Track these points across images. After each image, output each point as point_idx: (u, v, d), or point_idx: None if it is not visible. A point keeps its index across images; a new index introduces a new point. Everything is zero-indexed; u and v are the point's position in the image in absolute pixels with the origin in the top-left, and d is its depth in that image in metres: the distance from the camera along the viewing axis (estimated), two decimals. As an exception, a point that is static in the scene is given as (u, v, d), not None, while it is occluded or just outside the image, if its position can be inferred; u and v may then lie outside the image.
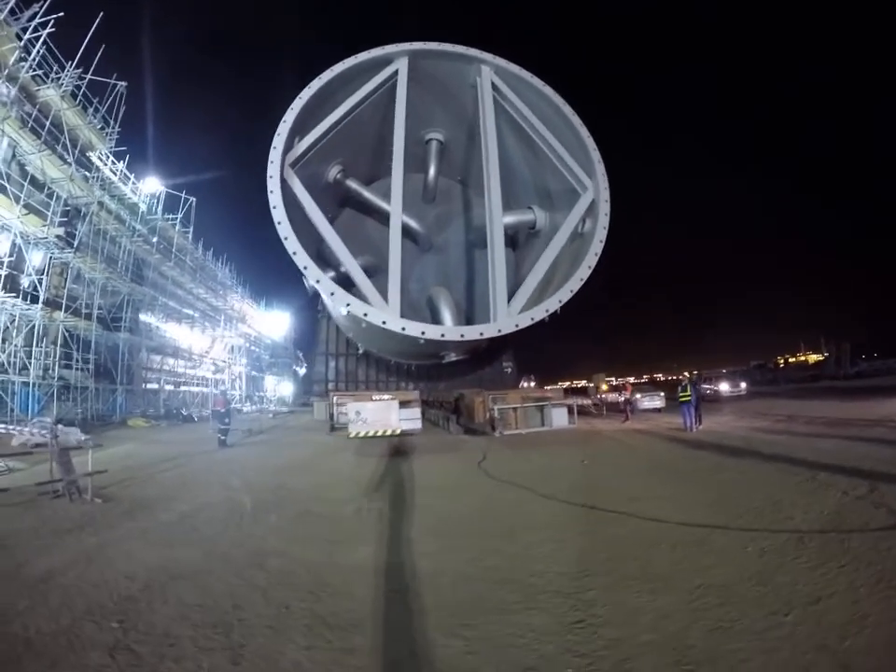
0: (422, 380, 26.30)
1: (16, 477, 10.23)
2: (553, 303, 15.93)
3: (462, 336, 14.79)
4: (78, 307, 21.92)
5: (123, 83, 23.68)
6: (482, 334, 14.92)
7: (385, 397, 16.16)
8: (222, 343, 40.69)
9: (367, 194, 22.03)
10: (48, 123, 19.70)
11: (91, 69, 21.51)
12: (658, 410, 24.95)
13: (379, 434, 14.94)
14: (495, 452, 12.79)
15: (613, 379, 65.82)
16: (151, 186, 28.56)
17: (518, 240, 24.13)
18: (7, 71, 18.13)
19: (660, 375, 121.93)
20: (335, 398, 16.18)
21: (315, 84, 16.98)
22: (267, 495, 8.49)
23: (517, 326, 15.23)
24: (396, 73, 18.13)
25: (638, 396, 25.31)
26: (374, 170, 23.20)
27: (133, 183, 26.28)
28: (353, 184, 21.78)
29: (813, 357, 69.97)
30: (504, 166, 19.62)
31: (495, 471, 10.06)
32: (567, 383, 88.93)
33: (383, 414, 15.10)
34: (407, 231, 20.21)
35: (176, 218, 30.39)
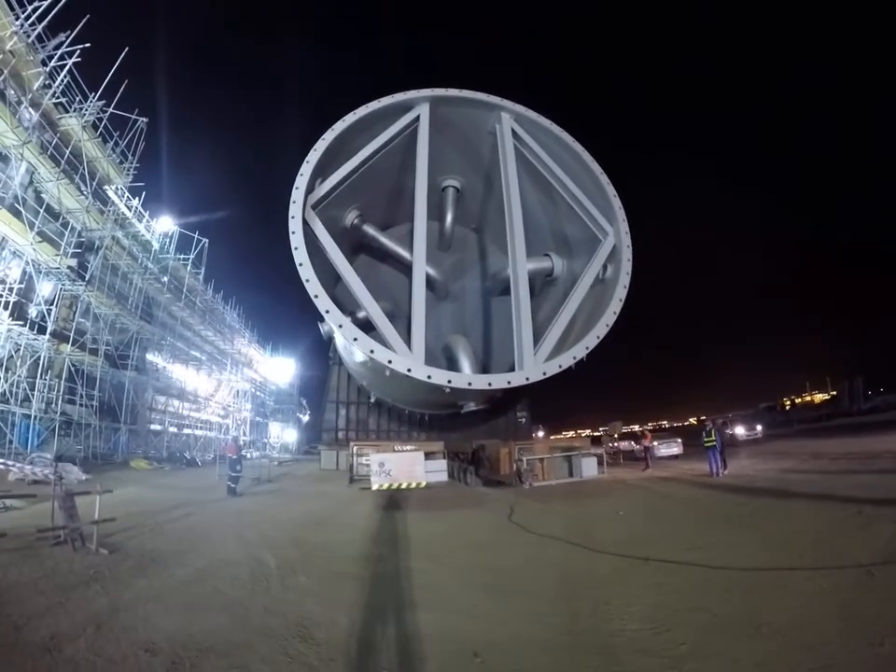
0: (435, 430, 25.59)
1: (13, 516, 9.56)
2: (579, 350, 15.43)
3: (490, 385, 14.17)
4: (85, 342, 21.44)
5: (144, 119, 23.92)
6: (509, 382, 14.31)
7: (408, 448, 15.44)
8: (228, 387, 40.02)
9: (384, 240, 21.79)
10: (67, 152, 19.64)
11: (114, 103, 21.76)
12: (676, 457, 24.38)
13: (403, 487, 14.21)
14: (522, 504, 12.16)
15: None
16: (165, 225, 28.59)
17: (534, 287, 23.70)
18: (30, 96, 18.17)
19: (665, 422, 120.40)
20: (355, 448, 15.29)
21: (339, 126, 16.94)
22: (290, 551, 7.79)
23: (545, 374, 14.63)
24: (416, 119, 18.15)
25: (656, 443, 24.60)
26: (390, 216, 23.09)
27: (147, 220, 26.27)
28: (370, 229, 21.55)
29: (819, 397, 68.66)
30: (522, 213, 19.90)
31: (530, 525, 9.52)
32: (572, 432, 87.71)
33: (408, 466, 14.40)
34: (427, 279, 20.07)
35: (188, 259, 30.29)
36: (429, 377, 13.51)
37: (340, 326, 13.61)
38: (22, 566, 6.39)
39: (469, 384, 13.97)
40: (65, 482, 8.43)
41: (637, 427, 60.10)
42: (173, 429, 31.76)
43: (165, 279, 27.55)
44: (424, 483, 14.25)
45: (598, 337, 15.84)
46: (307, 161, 16.08)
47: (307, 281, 13.98)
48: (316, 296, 13.86)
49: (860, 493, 9.58)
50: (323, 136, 16.70)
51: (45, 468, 13.61)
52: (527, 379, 14.41)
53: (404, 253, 21.21)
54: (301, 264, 14.27)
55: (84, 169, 20.58)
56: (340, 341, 19.60)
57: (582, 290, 17.13)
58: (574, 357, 15.26)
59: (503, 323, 23.48)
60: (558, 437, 30.51)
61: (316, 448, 32.27)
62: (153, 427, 29.54)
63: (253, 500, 14.27)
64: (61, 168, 19.28)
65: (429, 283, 21.75)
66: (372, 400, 25.89)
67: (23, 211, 18.00)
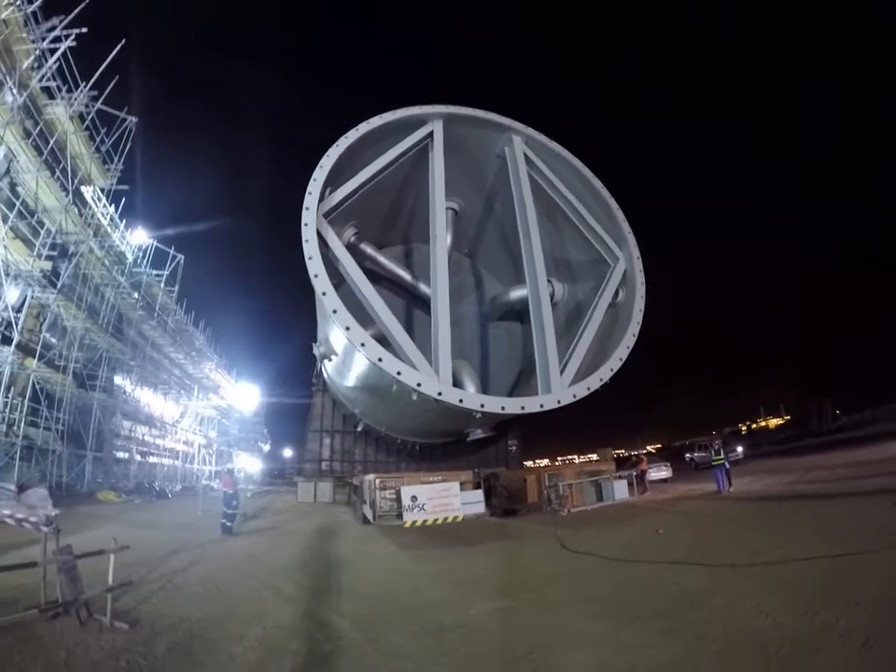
0: (425, 461, 24.65)
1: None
2: (605, 372, 15.05)
3: (523, 408, 13.40)
4: (52, 357, 19.45)
5: (133, 118, 22.24)
6: (542, 406, 13.60)
7: (435, 478, 14.19)
8: (194, 414, 37.69)
9: (382, 260, 20.89)
10: (51, 143, 17.88)
11: (102, 98, 20.20)
12: (665, 480, 24.27)
13: (439, 522, 12.96)
14: (567, 531, 11.74)
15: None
16: (139, 237, 26.86)
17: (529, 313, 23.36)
18: (18, 75, 16.61)
19: (622, 451, 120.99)
20: (377, 481, 13.79)
21: (353, 135, 16.17)
22: (348, 605, 6.79)
23: (574, 396, 14.08)
24: (428, 135, 17.62)
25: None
26: (383, 236, 22.31)
27: (122, 231, 24.56)
28: (368, 248, 20.62)
29: (773, 422, 70.41)
30: (519, 239, 19.70)
31: (589, 549, 9.51)
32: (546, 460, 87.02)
33: (443, 499, 13.18)
34: (423, 301, 19.32)
35: (162, 276, 28.48)
36: (461, 401, 12.60)
37: (363, 344, 12.53)
38: (21, 657, 4.81)
39: (503, 408, 13.13)
40: (38, 516, 6.75)
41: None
42: (139, 458, 29.43)
43: (137, 295, 25.62)
44: (461, 517, 13.03)
45: (621, 359, 15.58)
46: (320, 167, 15.17)
47: (324, 294, 12.88)
48: (335, 311, 12.76)
49: (880, 491, 10.48)
50: (336, 143, 15.87)
51: (25, 505, 11.95)
52: (559, 402, 13.82)
53: (404, 274, 20.47)
54: (316, 276, 13.18)
55: (67, 164, 18.76)
56: (333, 363, 18.43)
57: (599, 314, 16.82)
58: (601, 380, 14.87)
59: (501, 349, 23.20)
60: (586, 461, 29.70)
61: (282, 480, 30.61)
62: (118, 454, 27.14)
63: (254, 540, 12.92)
64: (42, 158, 17.48)
65: (426, 306, 21.09)
66: (360, 429, 24.71)
67: (-5, 203, 16.14)
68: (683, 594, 6.31)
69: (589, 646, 4.98)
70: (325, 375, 24.53)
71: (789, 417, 67.43)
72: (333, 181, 15.75)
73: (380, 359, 12.44)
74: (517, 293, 19.86)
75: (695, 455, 33.30)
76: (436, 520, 12.62)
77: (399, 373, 12.42)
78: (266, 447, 60.13)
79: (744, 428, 70.31)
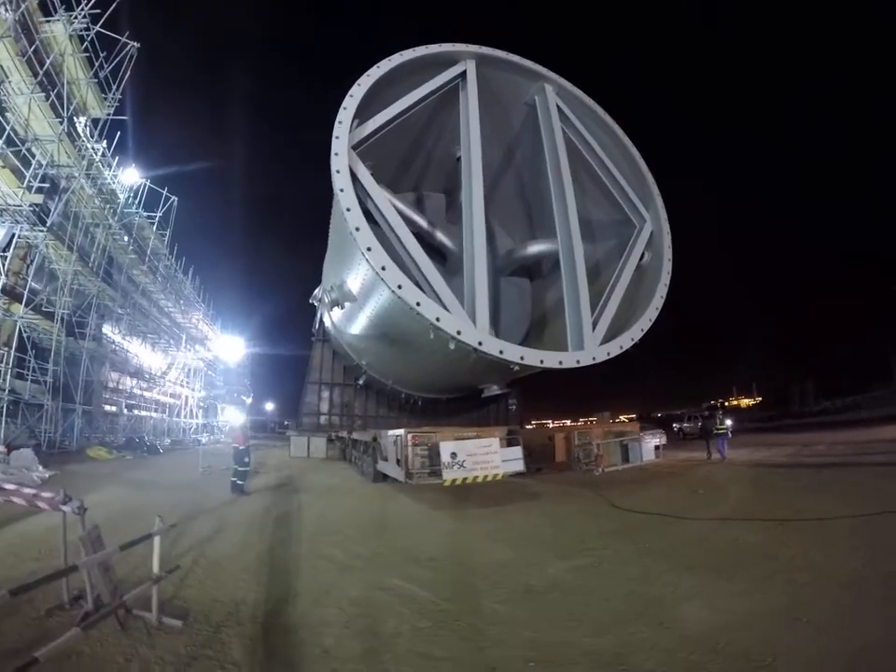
0: (426, 416, 24.11)
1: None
2: (635, 332, 14.68)
3: (560, 363, 12.90)
4: (40, 303, 18.18)
5: (135, 44, 20.18)
6: (578, 362, 13.15)
7: (469, 434, 13.49)
8: (181, 365, 36.38)
9: (400, 204, 19.98)
10: (47, 63, 16.26)
11: (102, 20, 18.23)
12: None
13: (479, 480, 12.03)
14: (610, 490, 11.86)
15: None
16: (131, 177, 24.99)
17: (540, 269, 22.80)
18: None
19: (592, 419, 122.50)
20: (409, 436, 12.99)
21: (385, 65, 15.04)
22: (420, 571, 6.34)
23: (609, 354, 13.70)
24: (459, 76, 16.62)
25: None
26: (396, 181, 21.23)
27: (114, 168, 22.80)
28: (385, 191, 19.77)
29: (745, 402, 72.12)
30: (538, 192, 19.01)
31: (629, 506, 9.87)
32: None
33: (483, 456, 12.27)
34: (439, 250, 18.60)
35: (155, 218, 26.76)
36: (501, 352, 11.99)
37: (399, 286, 11.72)
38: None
39: (542, 361, 12.56)
40: (18, 477, 5.47)
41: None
42: (136, 412, 28.27)
43: (126, 238, 24.08)
44: (501, 475, 12.44)
45: (651, 320, 15.33)
46: (351, 96, 14.06)
47: (357, 230, 11.81)
48: (370, 248, 11.78)
49: (890, 464, 11.30)
50: (367, 72, 14.76)
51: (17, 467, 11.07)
52: (594, 359, 13.44)
53: (421, 221, 19.61)
54: (348, 209, 12.10)
55: (63, 89, 17.10)
56: (343, 311, 17.56)
57: (628, 274, 16.43)
58: (632, 339, 14.51)
59: (512, 305, 22.60)
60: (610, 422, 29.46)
61: (265, 433, 29.95)
62: (107, 408, 26.02)
63: (270, 500, 12.22)
64: (38, 80, 15.89)
65: (444, 254, 20.29)
66: (361, 382, 24.04)
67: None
68: (749, 547, 6.69)
69: (694, 597, 5.09)
70: (328, 324, 23.74)
71: (761, 398, 69.14)
72: (361, 113, 14.76)
73: (418, 303, 11.65)
74: (535, 248, 19.43)
75: (684, 425, 33.91)
76: (475, 478, 11.98)
77: (437, 320, 11.66)
78: (248, 400, 58.89)
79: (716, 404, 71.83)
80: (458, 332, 11.71)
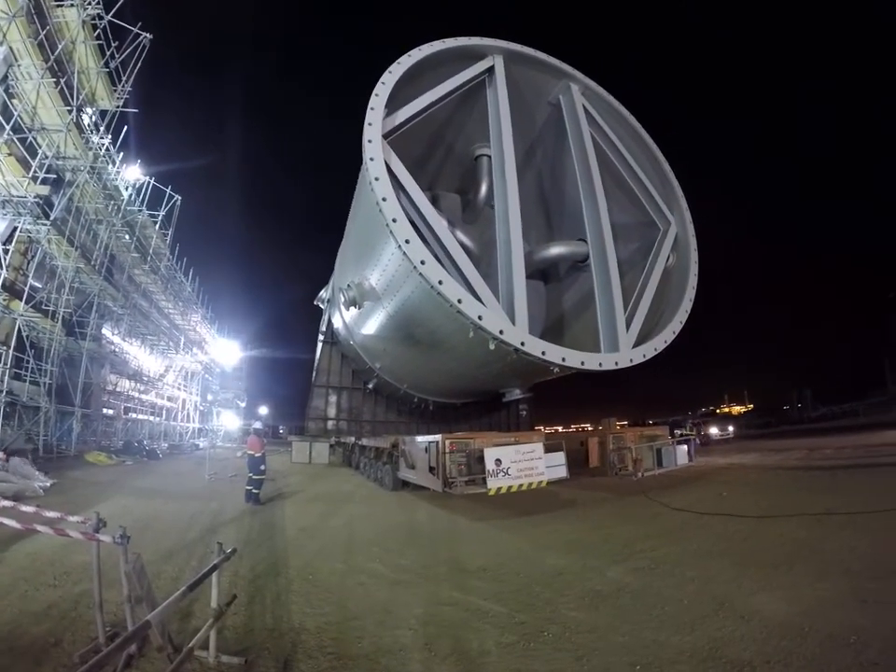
0: (436, 422, 23.64)
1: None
2: (668, 335, 14.40)
3: (600, 365, 12.47)
4: (41, 300, 17.37)
5: (148, 35, 19.35)
6: (616, 364, 12.75)
7: (509, 438, 12.85)
8: (179, 368, 35.43)
9: (418, 200, 19.61)
10: (59, 48, 15.51)
11: (116, 6, 17.49)
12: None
13: (524, 488, 11.51)
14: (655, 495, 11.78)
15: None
16: (135, 174, 24.24)
17: (558, 272, 22.47)
18: None
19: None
20: (448, 442, 12.35)
21: (416, 54, 14.61)
22: (477, 582, 6.10)
23: (644, 356, 13.36)
24: (487, 71, 16.31)
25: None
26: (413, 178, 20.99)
27: (119, 164, 21.96)
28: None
29: (737, 409, 72.40)
30: (559, 194, 19.08)
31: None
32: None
33: (528, 462, 11.77)
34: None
35: (158, 216, 25.93)
36: (543, 353, 11.48)
37: (440, 282, 11.12)
38: None
39: (582, 363, 12.09)
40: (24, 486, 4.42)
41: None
42: (133, 415, 27.33)
43: (128, 237, 23.28)
44: (545, 482, 11.79)
45: (681, 322, 15.04)
46: (382, 83, 13.64)
47: (394, 221, 11.18)
48: (408, 241, 11.16)
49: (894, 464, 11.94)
50: (398, 61, 14.40)
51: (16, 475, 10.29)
52: (631, 361, 13.10)
53: (441, 219, 19.30)
54: (384, 199, 11.45)
55: (74, 78, 16.35)
56: (360, 310, 16.96)
57: (657, 276, 16.17)
58: (665, 342, 14.21)
59: (530, 307, 22.20)
60: (644, 426, 29.40)
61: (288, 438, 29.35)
62: (105, 411, 25.12)
63: (288, 510, 11.72)
64: (48, 65, 15.14)
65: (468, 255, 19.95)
66: (371, 386, 23.46)
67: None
68: (795, 542, 6.99)
69: (760, 590, 5.29)
70: (338, 325, 23.14)
71: (752, 405, 69.45)
72: (390, 103, 14.33)
73: (460, 300, 11.09)
74: (555, 250, 18.81)
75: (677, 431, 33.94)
76: (521, 486, 11.38)
77: (480, 318, 11.12)
78: (243, 404, 57.85)
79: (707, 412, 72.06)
80: (501, 332, 11.20)
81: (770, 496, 10.50)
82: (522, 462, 11.57)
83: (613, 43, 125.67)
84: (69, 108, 16.64)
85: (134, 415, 29.68)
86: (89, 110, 19.06)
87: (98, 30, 17.62)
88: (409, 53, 14.63)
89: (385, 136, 13.63)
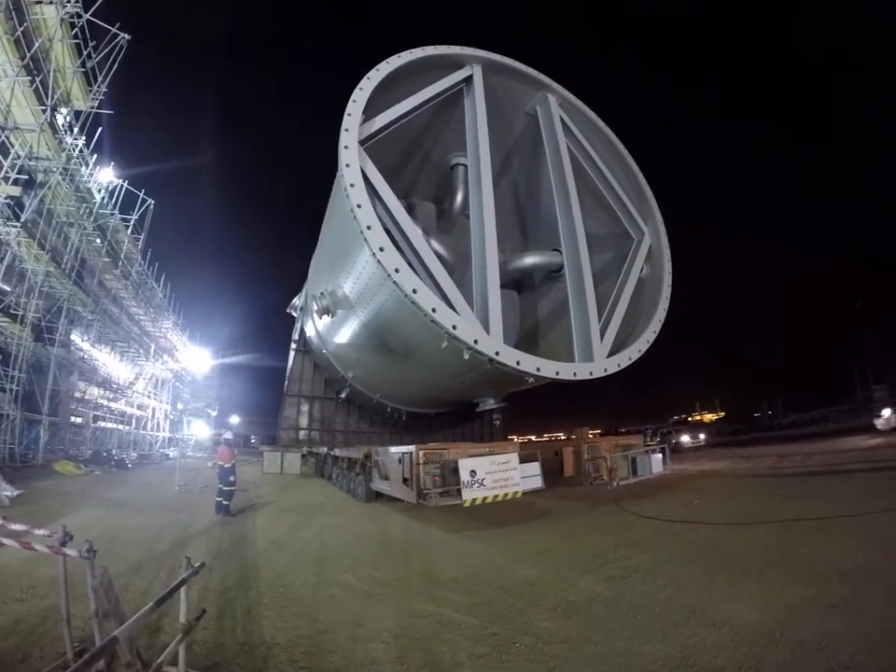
0: (409, 432, 23.74)
1: None
2: (642, 344, 14.66)
3: (575, 375, 12.58)
4: (9, 304, 16.92)
5: (126, 35, 18.96)
6: (591, 373, 12.90)
7: (483, 449, 12.73)
8: (149, 376, 34.67)
9: (393, 207, 19.58)
10: (36, 46, 15.20)
11: (93, 9, 17.13)
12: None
13: (499, 499, 11.43)
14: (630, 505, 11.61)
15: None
16: (107, 176, 23.63)
17: (532, 281, 22.57)
18: None
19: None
20: (421, 453, 11.84)
21: (395, 61, 14.67)
22: (448, 594, 6.05)
23: (619, 365, 13.58)
24: (465, 80, 16.41)
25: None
26: (388, 186, 20.97)
27: (92, 166, 21.52)
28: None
29: (708, 417, 73.16)
30: (535, 203, 19.24)
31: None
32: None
33: (503, 473, 11.64)
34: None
35: (130, 220, 25.45)
36: (518, 363, 11.51)
37: (415, 290, 11.08)
38: None
39: (557, 373, 12.18)
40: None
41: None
42: (102, 423, 26.64)
43: (99, 241, 22.73)
44: (520, 493, 11.69)
45: (655, 332, 15.38)
46: (360, 89, 13.64)
47: (369, 228, 11.18)
48: (382, 249, 11.15)
49: (872, 469, 12.05)
50: (377, 67, 14.41)
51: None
52: (605, 370, 13.24)
53: (416, 227, 19.32)
54: (359, 206, 11.42)
55: (49, 77, 15.97)
56: (333, 319, 16.80)
57: (631, 286, 16.39)
58: (639, 351, 14.52)
59: (508, 315, 22.27)
60: (618, 435, 29.58)
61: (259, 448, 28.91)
62: (74, 419, 24.46)
63: (259, 521, 11.55)
64: (24, 62, 14.80)
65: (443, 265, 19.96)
66: (343, 396, 23.30)
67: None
68: (765, 548, 7.04)
69: (731, 597, 5.33)
70: (311, 334, 22.89)
71: (724, 413, 70.43)
72: (367, 109, 14.29)
73: (434, 310, 11.06)
74: (529, 260, 19.04)
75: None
76: (496, 497, 11.28)
77: (454, 327, 11.09)
78: (214, 413, 56.80)
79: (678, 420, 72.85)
80: (475, 341, 11.19)
81: (740, 503, 10.56)
82: (497, 473, 11.49)
83: (613, 43, 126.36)
84: (43, 108, 16.31)
85: (103, 424, 28.94)
86: (63, 110, 18.60)
87: (76, 28, 17.28)
88: (388, 60, 14.66)
89: (362, 143, 13.61)
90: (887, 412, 21.34)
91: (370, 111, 14.21)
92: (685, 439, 34.10)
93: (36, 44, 15.23)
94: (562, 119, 17.71)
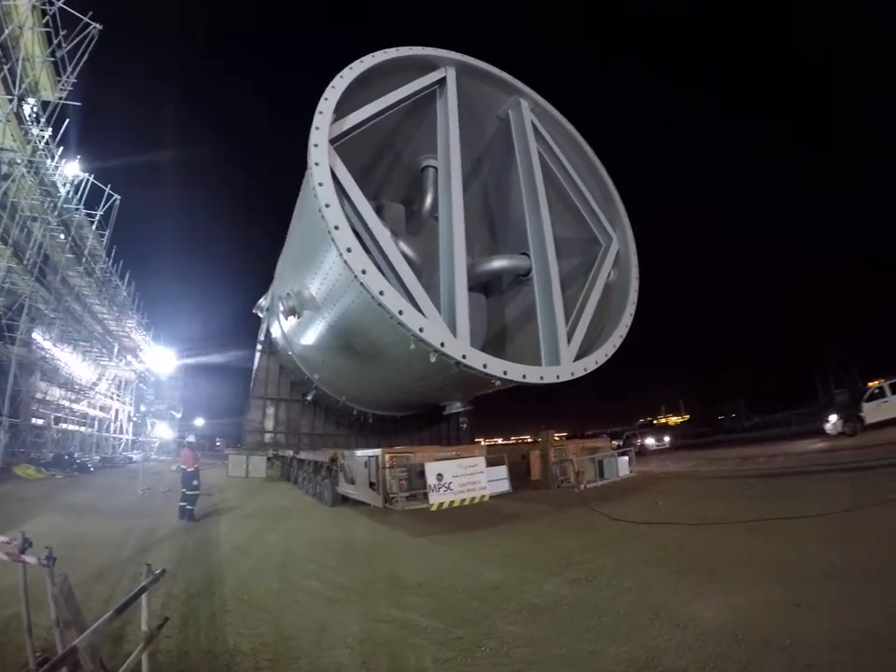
0: (376, 435, 23.58)
1: None
2: (609, 348, 14.77)
3: (541, 378, 12.58)
4: (-32, 302, 16.36)
5: (97, 25, 18.45)
6: (558, 377, 12.93)
7: (450, 452, 12.63)
8: (112, 376, 33.78)
9: (362, 208, 19.46)
10: (6, 33, 14.82)
11: None
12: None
13: (466, 503, 11.40)
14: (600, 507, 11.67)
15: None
16: (73, 170, 22.84)
17: (500, 285, 22.64)
18: None
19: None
20: (387, 457, 11.80)
21: (369, 60, 14.56)
22: (412, 598, 6.07)
23: (585, 370, 13.60)
24: (438, 82, 16.48)
25: None
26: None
27: (57, 159, 20.79)
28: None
29: (673, 419, 74.30)
30: (504, 207, 19.43)
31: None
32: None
33: (470, 477, 11.68)
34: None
35: (95, 216, 24.73)
36: (485, 366, 11.51)
37: (381, 292, 11.00)
38: None
39: (524, 376, 12.18)
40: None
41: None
42: (63, 425, 25.84)
43: (63, 237, 22.07)
44: (488, 496, 11.66)
45: (622, 336, 15.54)
46: (332, 87, 13.52)
47: (336, 228, 10.98)
48: (349, 249, 10.97)
49: (833, 470, 12.17)
50: (350, 66, 14.27)
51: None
52: (572, 374, 13.27)
53: (384, 229, 19.28)
54: (327, 205, 11.22)
55: (18, 65, 15.52)
56: (299, 319, 16.59)
57: (598, 291, 16.58)
58: (606, 355, 14.62)
59: (475, 318, 22.28)
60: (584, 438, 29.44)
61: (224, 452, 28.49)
62: (35, 421, 23.67)
63: (224, 526, 11.38)
64: None
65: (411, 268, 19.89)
66: (309, 398, 23.09)
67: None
68: (728, 549, 7.12)
69: (695, 598, 5.36)
70: (276, 335, 22.66)
71: (689, 416, 71.69)
72: (339, 108, 14.16)
73: (401, 312, 11.01)
74: (497, 263, 19.11)
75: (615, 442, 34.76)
76: (463, 500, 11.22)
77: (421, 330, 11.02)
78: (178, 415, 55.57)
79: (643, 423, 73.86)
80: (442, 344, 11.16)
81: (704, 504, 10.63)
82: (464, 476, 11.51)
83: (613, 43, 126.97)
84: (10, 97, 15.93)
85: (65, 426, 28.18)
86: (30, 100, 18.06)
87: (47, 17, 16.84)
88: (361, 59, 14.58)
89: (332, 142, 13.49)
90: (833, 417, 21.93)
91: (342, 110, 14.10)
92: (650, 441, 34.42)
93: (6, 31, 14.77)
94: (533, 125, 17.89)
